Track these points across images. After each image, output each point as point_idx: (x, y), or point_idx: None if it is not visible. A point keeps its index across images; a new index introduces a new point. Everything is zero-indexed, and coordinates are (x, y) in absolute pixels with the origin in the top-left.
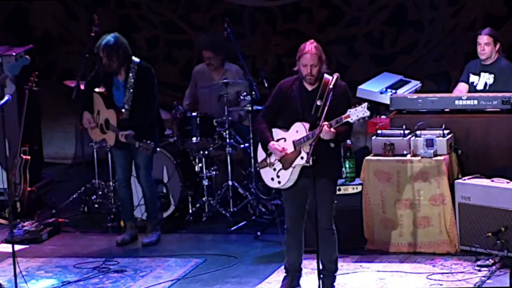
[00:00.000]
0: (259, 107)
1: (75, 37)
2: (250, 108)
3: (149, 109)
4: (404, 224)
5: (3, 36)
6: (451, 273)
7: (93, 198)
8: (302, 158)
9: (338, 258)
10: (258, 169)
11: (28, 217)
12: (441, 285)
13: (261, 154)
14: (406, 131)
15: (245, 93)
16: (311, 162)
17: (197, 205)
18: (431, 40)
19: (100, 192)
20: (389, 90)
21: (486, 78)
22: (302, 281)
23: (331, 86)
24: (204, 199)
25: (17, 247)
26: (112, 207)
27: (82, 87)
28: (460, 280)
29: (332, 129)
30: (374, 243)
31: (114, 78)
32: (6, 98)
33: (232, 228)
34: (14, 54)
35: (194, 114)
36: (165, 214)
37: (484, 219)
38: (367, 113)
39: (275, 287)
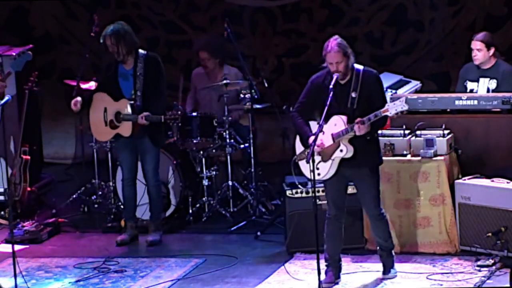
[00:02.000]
0: (259, 106)
1: (75, 37)
2: (249, 107)
3: (161, 97)
4: (404, 224)
5: (3, 36)
6: (451, 273)
7: (93, 198)
8: (341, 150)
9: (391, 236)
10: (296, 161)
11: (28, 217)
12: (441, 285)
13: (299, 147)
14: (406, 131)
15: (245, 92)
16: (311, 162)
17: (197, 205)
18: (431, 40)
19: (100, 192)
20: (389, 90)
21: (488, 84)
22: (302, 281)
23: (331, 86)
24: (204, 199)
25: (17, 247)
26: (112, 207)
27: (82, 86)
28: (460, 280)
29: (367, 125)
30: (374, 243)
31: (119, 68)
32: (6, 98)
33: (232, 228)
34: (14, 54)
35: (194, 114)
36: (165, 214)
37: (484, 219)
38: (406, 107)
39: (275, 287)
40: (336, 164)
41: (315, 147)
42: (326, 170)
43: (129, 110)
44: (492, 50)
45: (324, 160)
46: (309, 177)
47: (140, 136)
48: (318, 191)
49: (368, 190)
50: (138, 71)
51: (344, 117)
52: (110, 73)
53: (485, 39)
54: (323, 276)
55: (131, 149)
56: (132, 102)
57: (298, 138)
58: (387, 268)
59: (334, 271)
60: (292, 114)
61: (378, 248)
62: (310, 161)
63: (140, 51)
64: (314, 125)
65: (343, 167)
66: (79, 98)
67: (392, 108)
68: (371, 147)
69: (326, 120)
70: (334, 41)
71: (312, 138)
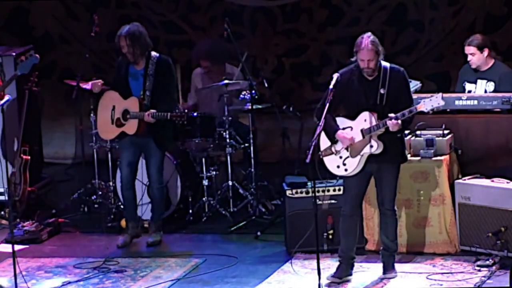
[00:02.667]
0: (259, 106)
1: (75, 37)
2: (250, 107)
3: (169, 98)
4: (404, 224)
5: (3, 36)
6: (451, 273)
7: (93, 198)
8: (371, 146)
9: (397, 238)
10: (321, 157)
11: (28, 217)
12: (441, 285)
13: (324, 142)
14: (406, 131)
15: (245, 92)
16: (308, 162)
17: (197, 205)
18: (431, 40)
19: (100, 192)
20: None
21: (485, 86)
22: (302, 281)
23: (331, 87)
24: (204, 199)
25: (17, 247)
26: (112, 207)
27: (83, 86)
28: (460, 280)
29: (399, 121)
30: (374, 243)
31: (130, 68)
32: (6, 98)
33: (232, 228)
34: (14, 54)
35: (194, 114)
36: (165, 214)
37: (484, 219)
38: (442, 103)
39: (275, 287)
40: (364, 160)
41: (347, 141)
42: (354, 166)
43: (137, 108)
44: (485, 51)
45: (352, 155)
46: (334, 172)
47: (145, 137)
48: (318, 191)
49: (388, 184)
50: (149, 72)
51: (375, 114)
52: (121, 73)
53: (476, 43)
54: (333, 270)
55: (134, 150)
56: (141, 100)
57: (323, 133)
58: (388, 269)
59: (346, 267)
60: (317, 109)
61: (381, 248)
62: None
63: (153, 53)
64: (341, 121)
65: (370, 163)
66: (100, 81)
67: (428, 104)
68: (399, 144)
69: (354, 117)
70: (368, 39)
71: (341, 132)
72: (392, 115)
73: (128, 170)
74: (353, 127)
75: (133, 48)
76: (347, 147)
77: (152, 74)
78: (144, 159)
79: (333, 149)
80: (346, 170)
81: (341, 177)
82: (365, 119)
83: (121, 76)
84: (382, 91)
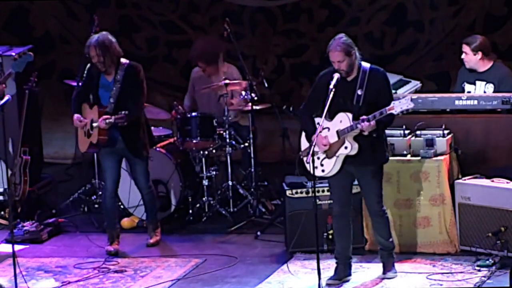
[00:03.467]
0: (258, 107)
1: (75, 37)
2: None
3: (135, 105)
4: (404, 224)
5: (3, 36)
6: (451, 273)
7: (93, 198)
8: (346, 148)
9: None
10: (301, 157)
11: (28, 217)
12: (441, 285)
13: (304, 143)
14: (406, 131)
15: (244, 92)
16: (310, 161)
17: (197, 205)
18: (431, 40)
19: (100, 192)
20: None
21: (484, 88)
22: (302, 281)
23: (331, 87)
24: (204, 199)
25: (17, 247)
26: None
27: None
28: (460, 280)
29: (372, 123)
30: (374, 243)
31: (101, 78)
32: (6, 98)
33: (232, 228)
34: (14, 54)
35: (194, 114)
36: (165, 214)
37: (484, 219)
38: (411, 105)
39: (275, 287)
40: (340, 161)
41: (321, 145)
42: (330, 166)
43: (97, 116)
44: (479, 55)
45: (328, 157)
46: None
47: (118, 145)
48: (318, 191)
49: (371, 186)
50: (117, 78)
51: (350, 114)
52: (93, 82)
53: (472, 44)
54: (331, 273)
55: (115, 158)
56: (102, 109)
57: (303, 134)
58: (387, 268)
59: (344, 267)
60: (299, 110)
61: (379, 248)
62: (310, 160)
63: (122, 60)
64: (319, 122)
65: (348, 164)
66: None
67: (397, 106)
68: (377, 145)
69: (332, 117)
70: (337, 40)
71: (314, 136)
72: (364, 117)
73: (111, 181)
74: (330, 128)
75: (104, 57)
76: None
77: (119, 81)
78: (130, 167)
79: (311, 150)
80: (323, 171)
81: (320, 177)
82: (341, 120)
83: (92, 86)
84: (359, 92)
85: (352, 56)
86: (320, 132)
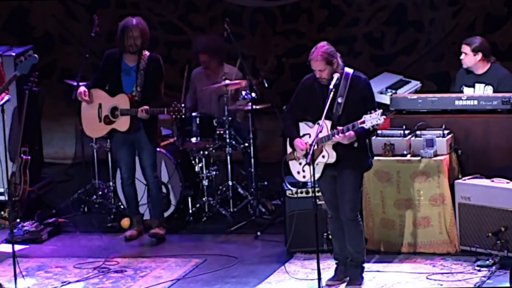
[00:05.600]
0: (258, 107)
1: (75, 37)
2: (250, 107)
3: (158, 95)
4: (404, 224)
5: (3, 36)
6: (451, 273)
7: (93, 198)
8: (323, 156)
9: (365, 248)
10: (286, 160)
11: (28, 217)
12: (441, 285)
13: (289, 147)
14: (406, 131)
15: (244, 92)
16: (309, 162)
17: (197, 205)
18: (431, 40)
19: (100, 192)
20: (389, 90)
21: (483, 90)
22: (302, 281)
23: (331, 87)
24: (204, 199)
25: (17, 247)
26: (112, 207)
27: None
28: (460, 280)
29: (348, 134)
30: (374, 243)
31: (122, 63)
32: (6, 98)
33: (232, 228)
34: (14, 54)
35: (194, 114)
36: (165, 214)
37: (484, 219)
38: (381, 120)
39: (275, 287)
40: (320, 168)
41: (300, 150)
42: (310, 173)
43: (127, 105)
44: (479, 56)
45: (308, 163)
46: (296, 177)
47: (137, 132)
48: (318, 191)
49: (347, 191)
50: (141, 68)
51: (329, 123)
52: (113, 67)
53: (471, 43)
54: (331, 274)
55: (129, 146)
56: (131, 97)
57: (288, 139)
58: (355, 282)
59: (343, 268)
60: (282, 115)
61: (348, 259)
62: (310, 160)
63: (144, 51)
64: (303, 127)
65: (329, 169)
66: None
67: (368, 121)
68: (356, 154)
69: (313, 124)
70: (318, 49)
71: (297, 140)
72: (340, 128)
73: (126, 168)
74: (311, 134)
75: (141, 39)
76: (303, 154)
77: (143, 70)
78: (138, 154)
79: (295, 155)
80: (304, 177)
81: (303, 182)
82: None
83: (113, 71)
84: (339, 100)
85: (334, 64)
86: (320, 132)
